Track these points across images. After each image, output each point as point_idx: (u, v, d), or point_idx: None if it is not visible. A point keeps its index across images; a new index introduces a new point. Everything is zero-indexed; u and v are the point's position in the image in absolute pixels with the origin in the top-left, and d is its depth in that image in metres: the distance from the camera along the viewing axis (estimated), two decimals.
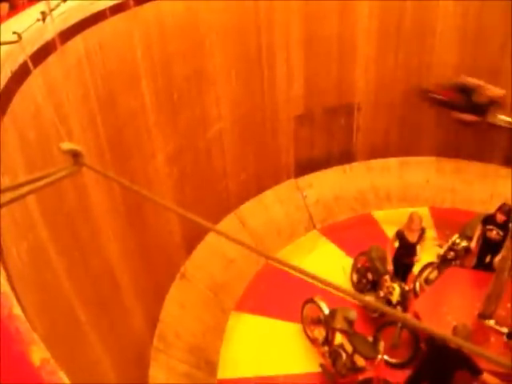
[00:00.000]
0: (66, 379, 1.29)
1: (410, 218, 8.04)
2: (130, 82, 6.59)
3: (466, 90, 9.65)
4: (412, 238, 8.07)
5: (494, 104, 9.52)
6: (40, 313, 3.60)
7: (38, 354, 1.33)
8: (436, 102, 10.22)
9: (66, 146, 2.08)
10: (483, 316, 7.08)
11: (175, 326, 7.95)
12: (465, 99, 9.67)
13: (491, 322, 7.03)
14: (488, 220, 8.33)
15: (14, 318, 1.47)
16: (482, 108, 9.58)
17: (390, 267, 8.14)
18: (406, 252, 8.14)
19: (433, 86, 10.15)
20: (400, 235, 8.10)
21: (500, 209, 8.20)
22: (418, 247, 8.16)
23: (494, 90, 9.35)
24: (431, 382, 6.41)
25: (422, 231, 8.17)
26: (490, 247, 8.31)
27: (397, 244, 8.24)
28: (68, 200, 5.04)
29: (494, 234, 8.20)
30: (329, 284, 1.80)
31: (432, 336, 6.19)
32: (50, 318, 3.94)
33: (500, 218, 8.11)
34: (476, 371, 5.99)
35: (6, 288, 1.73)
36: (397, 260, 8.18)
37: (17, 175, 3.76)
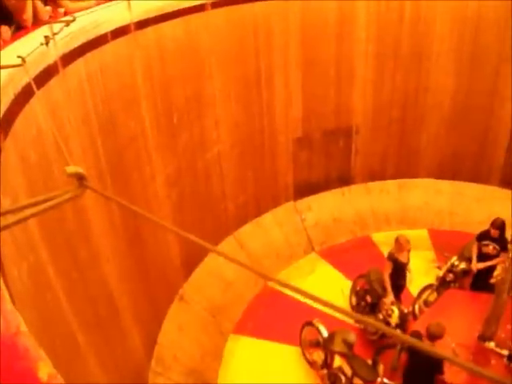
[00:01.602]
0: None
1: (398, 243, 8.04)
2: (130, 104, 6.65)
3: None
4: (403, 258, 8.08)
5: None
6: (39, 333, 3.59)
7: (45, 369, 1.34)
8: None
9: (71, 169, 2.11)
10: (483, 338, 7.05)
11: (173, 349, 7.90)
12: None
13: (491, 345, 7.00)
14: (483, 236, 8.42)
15: (22, 335, 1.48)
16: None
17: (389, 289, 8.13)
18: (400, 274, 8.15)
19: None
20: (392, 258, 8.10)
21: (493, 224, 8.29)
22: (409, 266, 8.20)
23: None
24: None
25: (409, 250, 8.20)
26: (485, 261, 8.42)
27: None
28: (68, 221, 5.05)
29: (491, 248, 8.29)
30: (329, 305, 1.81)
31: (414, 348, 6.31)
32: (48, 339, 3.93)
33: (494, 232, 8.22)
34: (440, 371, 6.19)
35: (12, 306, 1.74)
36: (393, 283, 8.17)
37: (18, 197, 3.78)
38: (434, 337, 6.15)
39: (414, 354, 6.37)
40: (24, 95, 4.00)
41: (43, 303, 4.15)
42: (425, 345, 1.68)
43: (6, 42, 4.64)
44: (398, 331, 7.82)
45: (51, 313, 4.33)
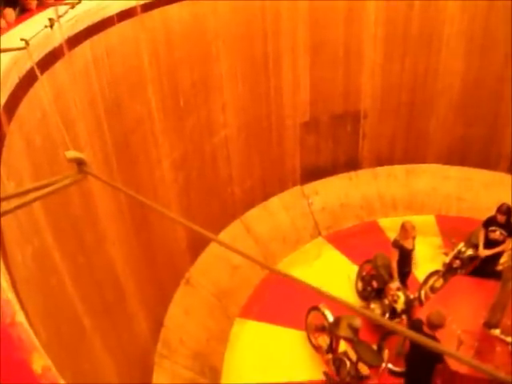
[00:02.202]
0: None
1: (404, 228, 8.00)
2: (136, 88, 6.62)
3: None
4: (408, 245, 8.04)
5: None
6: (44, 318, 3.61)
7: (40, 361, 1.33)
8: None
9: (71, 154, 2.10)
10: (489, 325, 7.04)
11: (179, 332, 7.94)
12: None
13: (497, 332, 6.99)
14: (489, 222, 8.39)
15: (17, 326, 1.47)
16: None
17: (395, 275, 8.11)
18: (405, 260, 8.12)
19: None
20: (398, 245, 8.07)
21: (499, 209, 8.26)
22: (414, 253, 8.17)
23: None
24: (417, 377, 6.51)
25: (414, 237, 8.15)
26: (493, 247, 8.40)
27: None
28: (73, 205, 5.05)
29: (498, 234, 8.27)
30: (331, 296, 1.80)
31: (410, 326, 6.32)
32: (54, 323, 3.94)
33: (500, 218, 8.19)
34: (438, 359, 6.15)
35: (9, 294, 1.73)
36: (399, 269, 8.15)
37: (23, 180, 3.78)
38: (434, 326, 6.09)
39: (415, 343, 6.36)
40: (28, 79, 3.98)
41: (48, 288, 4.16)
42: (423, 338, 1.67)
43: (10, 24, 4.61)
44: (404, 317, 7.85)
45: (57, 297, 4.34)
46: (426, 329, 6.11)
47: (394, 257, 8.08)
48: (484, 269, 8.44)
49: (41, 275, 3.99)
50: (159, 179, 7.55)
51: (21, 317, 1.56)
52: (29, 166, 4.02)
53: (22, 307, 2.43)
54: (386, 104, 10.88)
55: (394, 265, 8.08)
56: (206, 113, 8.46)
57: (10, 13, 4.78)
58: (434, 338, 5.96)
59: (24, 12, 5.05)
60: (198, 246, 8.98)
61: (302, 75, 9.91)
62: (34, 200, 2.17)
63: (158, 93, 7.14)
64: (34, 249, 3.88)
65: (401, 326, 3.75)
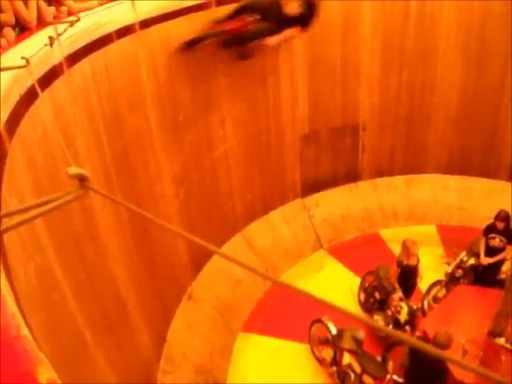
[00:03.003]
0: None
1: (405, 247, 8.01)
2: (135, 103, 6.66)
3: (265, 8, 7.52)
4: (412, 261, 8.05)
5: (311, 8, 7.62)
6: (47, 333, 3.61)
7: (45, 374, 1.34)
8: (224, 44, 7.75)
9: (73, 170, 2.11)
10: (493, 334, 7.01)
11: (182, 347, 7.91)
12: (261, 21, 7.48)
13: (501, 341, 6.96)
14: (489, 229, 8.43)
15: (22, 338, 1.48)
16: (299, 18, 7.65)
17: (397, 285, 8.11)
18: (409, 275, 8.11)
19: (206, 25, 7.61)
20: (400, 265, 8.08)
21: (497, 216, 8.31)
22: (419, 265, 8.15)
23: None
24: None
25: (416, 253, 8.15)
26: (494, 255, 8.46)
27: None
28: (75, 221, 5.06)
29: (498, 241, 8.32)
30: (335, 306, 1.80)
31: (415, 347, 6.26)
32: (56, 339, 3.94)
33: (500, 225, 8.26)
34: (442, 379, 6.10)
35: (14, 308, 1.74)
36: (403, 282, 8.14)
37: (24, 197, 3.79)
38: (440, 346, 5.86)
39: (416, 359, 6.28)
40: (29, 96, 4.01)
41: (51, 303, 4.17)
42: (429, 347, 1.67)
43: (10, 43, 4.65)
44: (407, 328, 7.83)
45: (59, 313, 4.34)
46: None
47: (394, 273, 8.10)
48: (487, 277, 8.46)
49: (43, 291, 3.99)
50: (159, 193, 7.57)
51: (25, 330, 1.57)
52: (30, 183, 4.04)
53: (26, 323, 2.44)
54: (385, 117, 10.93)
55: (393, 279, 8.10)
56: (205, 127, 8.49)
57: (9, 32, 4.82)
58: (440, 359, 5.89)
59: (24, 31, 5.09)
60: (199, 260, 8.98)
61: (301, 89, 9.97)
62: (37, 216, 2.19)
63: (157, 107, 7.18)
64: (36, 265, 3.89)
65: (401, 339, 3.72)
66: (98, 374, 5.09)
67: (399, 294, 8.01)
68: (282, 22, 7.52)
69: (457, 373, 6.22)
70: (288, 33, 7.67)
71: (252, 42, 7.67)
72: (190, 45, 7.32)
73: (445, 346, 5.92)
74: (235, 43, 7.66)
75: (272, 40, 7.65)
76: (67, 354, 4.15)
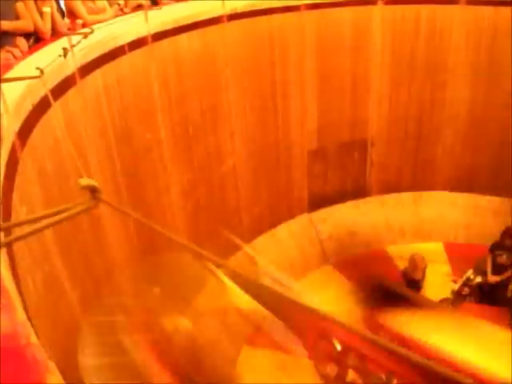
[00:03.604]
0: None
1: (413, 261, 7.99)
2: (146, 116, 6.70)
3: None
4: (417, 275, 8.02)
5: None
6: (54, 344, 3.61)
7: (55, 382, 1.34)
8: None
9: (84, 181, 2.14)
10: None
11: None
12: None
13: None
14: (496, 246, 8.40)
15: (32, 347, 1.49)
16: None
17: None
18: (412, 289, 8.08)
19: None
20: (406, 277, 8.05)
21: (506, 233, 8.29)
22: (424, 282, 8.14)
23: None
24: None
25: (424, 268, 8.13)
26: (501, 272, 8.42)
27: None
28: (83, 232, 5.09)
29: (505, 258, 8.27)
30: (342, 323, 1.81)
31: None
32: (63, 350, 3.94)
33: (507, 241, 8.21)
34: None
35: (24, 317, 1.75)
36: None
37: (34, 206, 3.82)
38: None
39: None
40: (42, 106, 4.05)
41: (58, 313, 4.18)
42: (440, 367, 1.66)
43: (23, 53, 4.71)
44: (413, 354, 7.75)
45: (66, 323, 4.35)
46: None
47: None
48: (494, 296, 8.40)
49: (50, 301, 4.01)
50: (167, 206, 7.59)
51: (35, 339, 1.58)
52: (40, 192, 4.07)
53: (34, 332, 2.44)
54: (393, 132, 10.94)
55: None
56: (215, 141, 8.53)
57: (22, 43, 4.89)
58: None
59: (38, 42, 5.16)
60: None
61: (310, 104, 10.00)
62: (47, 227, 2.21)
63: (168, 121, 7.22)
64: (44, 275, 3.90)
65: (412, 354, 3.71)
66: None
67: None
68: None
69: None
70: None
71: None
72: None
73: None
74: None
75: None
76: (74, 363, 4.15)
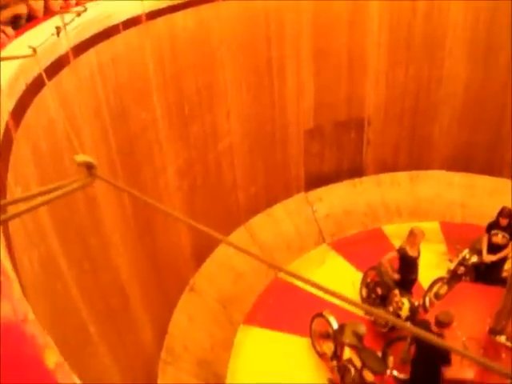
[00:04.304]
0: (79, 382, 1.31)
1: (413, 234, 8.00)
2: (141, 95, 6.66)
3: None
4: (413, 252, 8.04)
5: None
6: (50, 323, 3.62)
7: (53, 357, 1.34)
8: None
9: (81, 158, 2.11)
10: (494, 332, 7.03)
11: (183, 339, 7.94)
12: None
13: (502, 338, 6.97)
14: (492, 226, 8.44)
15: (30, 322, 1.49)
16: None
17: (397, 276, 8.13)
18: (409, 269, 8.12)
19: None
20: (402, 253, 8.07)
21: (501, 213, 8.33)
22: (419, 260, 8.17)
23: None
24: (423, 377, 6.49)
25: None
26: (496, 252, 8.47)
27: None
28: (79, 211, 5.08)
29: (500, 237, 8.33)
30: (338, 295, 1.80)
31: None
32: (60, 329, 3.95)
33: (503, 221, 8.31)
34: (447, 361, 6.10)
35: (21, 294, 1.75)
36: (403, 278, 8.15)
37: (29, 186, 3.80)
38: (442, 324, 6.13)
39: (421, 344, 6.36)
40: (35, 86, 4.01)
41: (54, 293, 4.18)
42: (433, 336, 1.67)
43: (10, 37, 4.64)
44: (408, 323, 7.82)
45: (62, 303, 4.36)
46: (433, 328, 6.12)
47: (387, 259, 8.15)
48: (489, 275, 8.45)
49: (47, 280, 4.01)
50: (164, 186, 7.58)
51: (32, 315, 1.58)
52: (35, 172, 4.05)
53: (32, 310, 2.45)
54: (390, 111, 10.91)
55: (390, 270, 8.13)
56: (211, 120, 8.49)
57: (9, 30, 4.83)
58: (442, 337, 5.98)
59: (30, 20, 5.09)
60: (202, 253, 9.00)
61: (306, 82, 9.95)
62: (43, 204, 2.18)
63: (163, 100, 7.18)
64: (40, 254, 3.90)
65: (406, 328, 3.74)
66: (101, 364, 5.11)
67: (396, 291, 8.05)
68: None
69: (457, 371, 6.24)
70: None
71: None
72: None
73: (447, 322, 6.14)
74: None
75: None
76: (71, 344, 4.17)
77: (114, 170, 6.10)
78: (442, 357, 6.10)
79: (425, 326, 6.27)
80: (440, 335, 6.01)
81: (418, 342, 6.54)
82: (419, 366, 6.56)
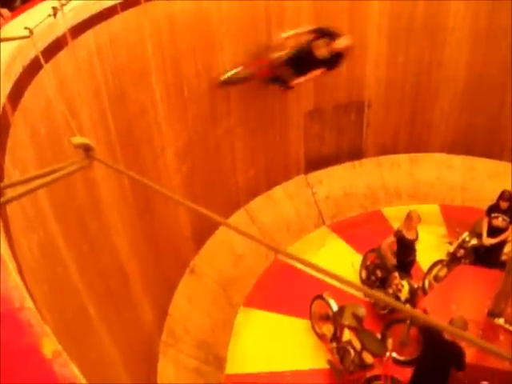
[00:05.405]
0: (77, 371, 1.30)
1: (409, 217, 8.04)
2: (140, 76, 6.61)
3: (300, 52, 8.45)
4: (411, 235, 8.07)
5: (339, 56, 8.48)
6: (50, 306, 3.63)
7: (50, 346, 1.33)
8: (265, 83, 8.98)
9: (77, 140, 2.10)
10: (492, 314, 7.05)
11: (184, 321, 7.98)
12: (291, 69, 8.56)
13: (501, 321, 7.00)
14: (492, 209, 8.46)
15: (26, 310, 1.48)
16: (326, 61, 8.53)
17: (394, 261, 8.17)
18: (407, 251, 8.14)
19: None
20: (399, 235, 8.10)
21: (501, 196, 8.35)
22: (416, 243, 8.19)
23: (339, 43, 8.30)
24: (429, 380, 6.42)
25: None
26: (496, 235, 8.50)
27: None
28: (78, 194, 5.07)
29: (500, 220, 8.34)
30: (338, 278, 1.80)
31: (428, 330, 6.25)
32: (59, 311, 3.97)
33: (503, 204, 8.33)
34: (461, 367, 6.01)
35: (18, 280, 1.74)
36: (400, 260, 8.18)
37: (27, 169, 3.79)
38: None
39: (433, 348, 6.21)
40: (33, 68, 3.98)
41: (54, 276, 4.19)
42: (431, 319, 1.67)
43: (7, 19, 4.60)
44: (408, 306, 7.85)
45: (62, 285, 4.36)
46: (446, 335, 5.93)
47: (386, 244, 8.16)
48: (488, 258, 8.48)
49: (46, 264, 4.01)
50: (163, 168, 7.56)
51: (29, 303, 1.57)
52: (33, 155, 4.03)
53: (30, 295, 2.45)
54: (391, 94, 10.84)
55: (388, 254, 8.15)
56: (210, 102, 8.44)
57: (5, 11, 4.78)
58: (455, 345, 5.89)
59: (26, 1, 5.04)
60: (202, 234, 9.01)
61: None
62: (41, 186, 2.18)
63: (162, 82, 7.13)
64: (39, 237, 3.90)
65: (406, 311, 3.75)
66: (101, 346, 5.14)
67: (395, 274, 8.07)
68: (310, 64, 8.48)
69: None
70: (314, 73, 8.62)
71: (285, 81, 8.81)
72: (227, 83, 8.36)
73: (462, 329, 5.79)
74: (273, 82, 8.92)
75: (299, 80, 8.74)
76: (70, 325, 4.18)
77: (113, 151, 6.08)
78: (455, 361, 6.00)
79: (438, 331, 6.00)
80: (453, 343, 5.93)
81: (428, 345, 6.32)
82: (426, 366, 6.38)
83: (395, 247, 8.26)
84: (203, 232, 9.00)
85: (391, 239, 8.27)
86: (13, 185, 2.27)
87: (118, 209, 6.28)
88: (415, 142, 11.40)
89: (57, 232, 4.36)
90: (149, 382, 6.84)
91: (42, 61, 3.77)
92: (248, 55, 8.67)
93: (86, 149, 2.10)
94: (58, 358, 1.30)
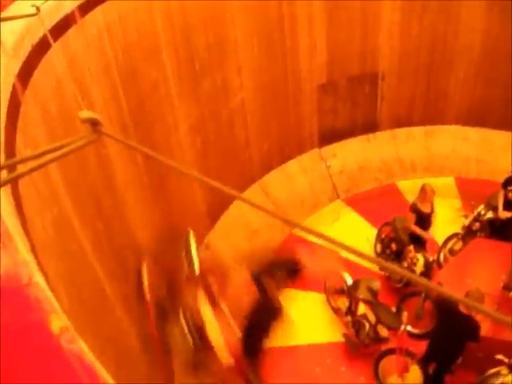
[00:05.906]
0: (85, 347, 1.31)
1: (423, 190, 7.99)
2: (150, 53, 6.56)
3: None
4: (426, 208, 8.01)
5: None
6: (66, 283, 3.67)
7: (58, 322, 1.34)
8: None
9: (85, 114, 2.07)
10: (508, 288, 7.03)
11: None
12: None
13: None
14: (508, 182, 8.33)
15: (34, 286, 1.48)
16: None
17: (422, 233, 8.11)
18: (422, 224, 8.09)
19: None
20: (415, 208, 8.04)
21: None
22: (433, 216, 8.13)
23: None
24: (444, 352, 6.43)
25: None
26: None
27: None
28: (91, 171, 5.09)
29: None
30: (354, 251, 1.79)
31: (443, 304, 6.23)
32: (75, 289, 4.01)
33: None
34: (476, 340, 6.03)
35: (27, 257, 1.74)
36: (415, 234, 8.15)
37: (39, 148, 3.79)
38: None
39: (447, 320, 6.21)
40: (41, 46, 3.96)
41: (69, 254, 4.23)
42: (447, 291, 1.65)
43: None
44: (423, 278, 7.83)
45: (78, 263, 4.41)
46: (461, 308, 5.94)
47: (410, 222, 8.08)
48: (504, 232, 8.38)
49: (61, 241, 4.05)
50: (176, 144, 7.55)
51: (39, 278, 1.56)
52: (44, 134, 4.04)
53: (42, 272, 2.46)
54: (405, 65, 10.67)
55: (415, 228, 8.07)
56: (222, 76, 8.37)
57: None
58: (471, 318, 5.89)
59: None
60: (216, 210, 9.02)
61: (319, 36, 9.72)
62: (50, 161, 2.16)
63: (173, 57, 7.08)
64: (53, 216, 3.93)
65: (421, 284, 3.71)
66: (117, 322, 5.20)
67: (428, 235, 8.05)
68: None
69: None
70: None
71: None
72: None
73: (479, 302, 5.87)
74: None
75: None
76: (87, 303, 4.23)
77: (126, 129, 6.08)
78: (470, 333, 6.01)
79: (453, 304, 5.99)
80: (469, 316, 5.92)
81: (443, 319, 6.37)
82: (441, 339, 6.44)
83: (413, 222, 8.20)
84: (217, 208, 9.01)
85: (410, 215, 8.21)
86: (23, 160, 2.27)
87: (132, 186, 6.29)
88: (430, 114, 11.25)
89: (70, 210, 4.39)
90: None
91: (51, 39, 3.75)
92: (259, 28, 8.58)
93: (94, 123, 2.08)
94: (65, 333, 1.31)
